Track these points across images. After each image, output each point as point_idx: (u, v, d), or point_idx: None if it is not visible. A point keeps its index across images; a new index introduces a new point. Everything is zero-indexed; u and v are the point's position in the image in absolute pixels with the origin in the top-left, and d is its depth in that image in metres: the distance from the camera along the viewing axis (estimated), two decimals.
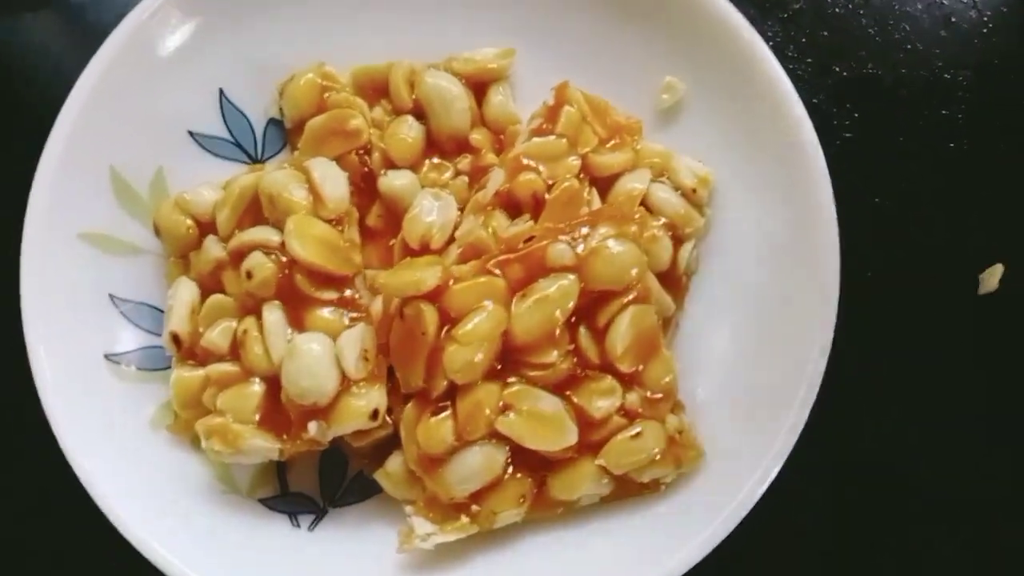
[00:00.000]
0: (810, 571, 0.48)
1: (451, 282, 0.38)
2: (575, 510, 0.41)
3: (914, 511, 0.48)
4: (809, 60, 0.52)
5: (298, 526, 0.41)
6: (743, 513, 0.39)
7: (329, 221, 0.40)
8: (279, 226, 0.40)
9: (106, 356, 0.41)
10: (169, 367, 0.42)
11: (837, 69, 0.52)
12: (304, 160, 0.41)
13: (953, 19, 0.52)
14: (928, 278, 0.49)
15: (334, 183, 0.40)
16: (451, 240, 0.42)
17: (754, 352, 0.43)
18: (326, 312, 0.39)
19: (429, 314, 0.37)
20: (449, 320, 0.38)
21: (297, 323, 0.39)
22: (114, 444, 0.40)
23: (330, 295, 0.39)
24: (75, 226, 0.42)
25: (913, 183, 0.51)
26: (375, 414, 0.38)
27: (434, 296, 0.38)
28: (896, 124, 0.51)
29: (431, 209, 0.42)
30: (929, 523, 0.48)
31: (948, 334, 0.49)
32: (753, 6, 0.52)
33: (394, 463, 0.40)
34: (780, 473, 0.40)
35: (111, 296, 0.42)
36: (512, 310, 0.39)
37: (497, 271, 0.39)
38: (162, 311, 0.43)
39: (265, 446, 0.38)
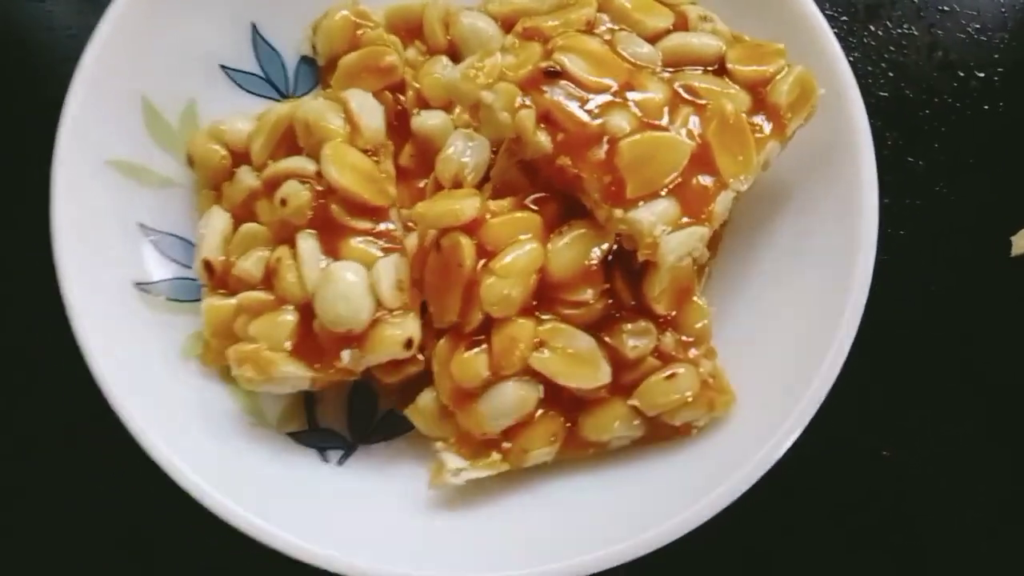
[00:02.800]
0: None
1: (488, 215, 0.38)
2: (606, 452, 0.40)
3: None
4: (844, 19, 0.52)
5: (327, 461, 0.41)
6: (774, 460, 0.39)
7: (365, 151, 0.39)
8: (314, 156, 0.39)
9: (136, 285, 0.41)
10: (198, 299, 0.42)
11: (873, 28, 0.52)
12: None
13: None
14: (961, 239, 0.49)
15: (371, 114, 0.40)
16: (485, 180, 0.42)
17: (786, 302, 0.42)
18: (361, 242, 0.38)
19: (466, 246, 0.37)
20: (485, 253, 0.38)
21: (331, 252, 0.38)
22: (144, 371, 0.39)
23: (365, 225, 0.38)
24: (104, 153, 0.41)
25: (946, 144, 0.51)
26: (409, 343, 0.37)
27: (471, 228, 0.38)
28: (931, 85, 0.51)
29: (464, 150, 0.41)
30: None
31: (980, 295, 0.49)
32: None
33: (425, 399, 0.40)
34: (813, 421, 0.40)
35: (141, 225, 0.42)
36: (548, 247, 0.38)
37: (535, 207, 0.39)
38: (191, 243, 0.43)
39: (297, 374, 0.38)
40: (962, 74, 0.52)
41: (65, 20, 0.51)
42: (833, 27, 0.46)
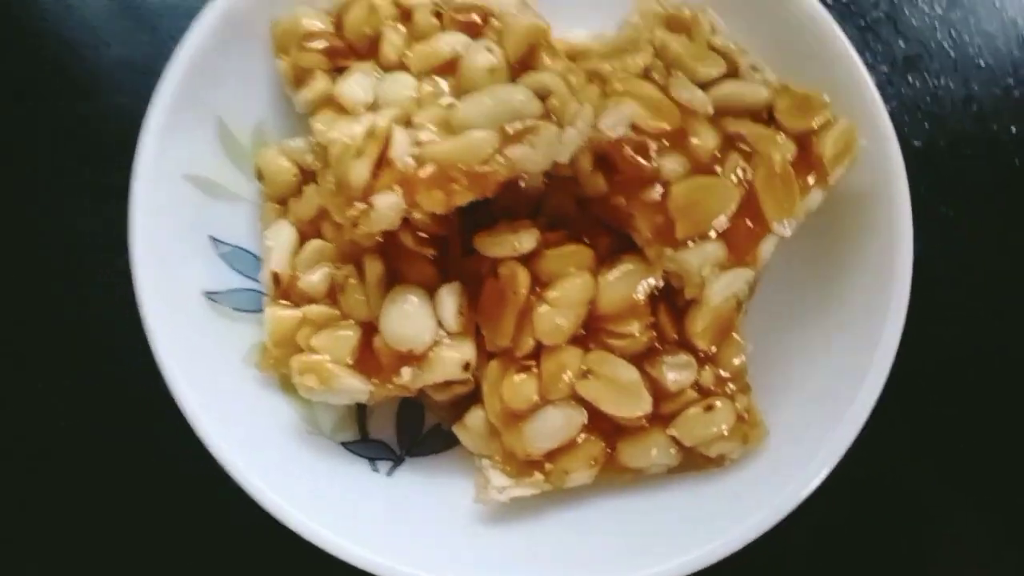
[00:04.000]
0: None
1: (544, 247, 0.40)
2: (642, 478, 0.42)
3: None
4: (884, 69, 0.54)
5: (377, 471, 0.43)
6: (803, 495, 0.41)
7: None
8: None
9: (205, 294, 0.43)
10: (260, 310, 0.44)
11: (911, 79, 0.54)
12: None
13: None
14: (989, 287, 0.51)
15: None
16: (537, 210, 0.44)
17: (819, 343, 0.44)
18: (425, 267, 0.40)
19: (523, 275, 0.39)
20: (539, 283, 0.40)
21: (396, 275, 0.40)
22: (210, 376, 0.41)
23: (430, 251, 0.40)
24: (182, 168, 0.44)
25: (977, 195, 0.53)
26: (466, 366, 0.39)
27: (527, 259, 0.40)
28: (964, 137, 0.53)
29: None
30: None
31: (1007, 343, 0.51)
32: (834, 12, 0.53)
33: (473, 418, 0.42)
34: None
35: (211, 238, 0.44)
36: (599, 280, 0.41)
37: (587, 241, 0.41)
38: (256, 256, 0.45)
39: (357, 387, 0.40)
40: (995, 127, 0.54)
41: (141, 35, 0.54)
42: (873, 76, 0.48)
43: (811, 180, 0.41)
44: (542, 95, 0.36)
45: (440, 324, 0.39)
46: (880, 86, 0.52)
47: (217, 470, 0.39)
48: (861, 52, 0.54)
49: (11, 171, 0.51)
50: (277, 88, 0.46)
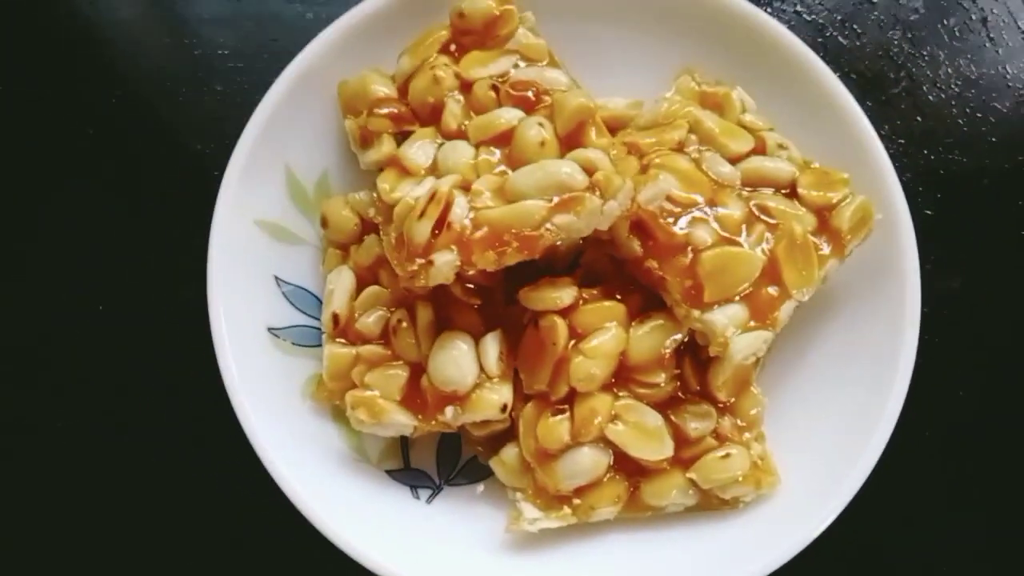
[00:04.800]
0: None
1: (580, 302, 0.44)
2: (661, 516, 0.46)
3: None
4: (901, 141, 0.58)
5: (418, 498, 0.47)
6: (810, 539, 0.44)
7: None
8: None
9: (268, 329, 0.47)
10: (316, 345, 0.48)
11: (926, 152, 0.58)
12: None
13: None
14: (992, 353, 0.54)
15: None
16: (576, 264, 0.48)
17: (830, 399, 0.48)
18: (471, 315, 0.44)
19: (562, 327, 0.43)
20: (575, 335, 0.44)
21: (445, 321, 0.44)
22: (271, 404, 0.45)
23: (476, 301, 0.45)
24: (253, 213, 0.48)
25: (985, 265, 0.56)
26: (504, 407, 0.43)
27: (566, 312, 0.44)
28: (975, 209, 0.57)
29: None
30: None
31: (1005, 405, 0.54)
32: (855, 87, 0.57)
33: (508, 453, 0.45)
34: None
35: (276, 277, 0.48)
36: (630, 333, 0.44)
37: (619, 297, 0.45)
38: (315, 295, 0.49)
39: (404, 422, 0.44)
40: (1004, 200, 0.57)
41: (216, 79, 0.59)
42: (889, 147, 0.51)
43: (828, 251, 0.45)
44: (588, 169, 0.40)
45: (482, 368, 0.43)
46: (896, 157, 0.56)
47: (269, 493, 0.43)
48: (880, 126, 0.58)
49: (99, 205, 0.56)
50: (341, 142, 0.51)
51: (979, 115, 0.58)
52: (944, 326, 0.53)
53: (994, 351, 0.55)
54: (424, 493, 0.47)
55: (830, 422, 0.47)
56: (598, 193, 0.40)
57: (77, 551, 0.51)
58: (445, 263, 0.40)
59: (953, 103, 0.58)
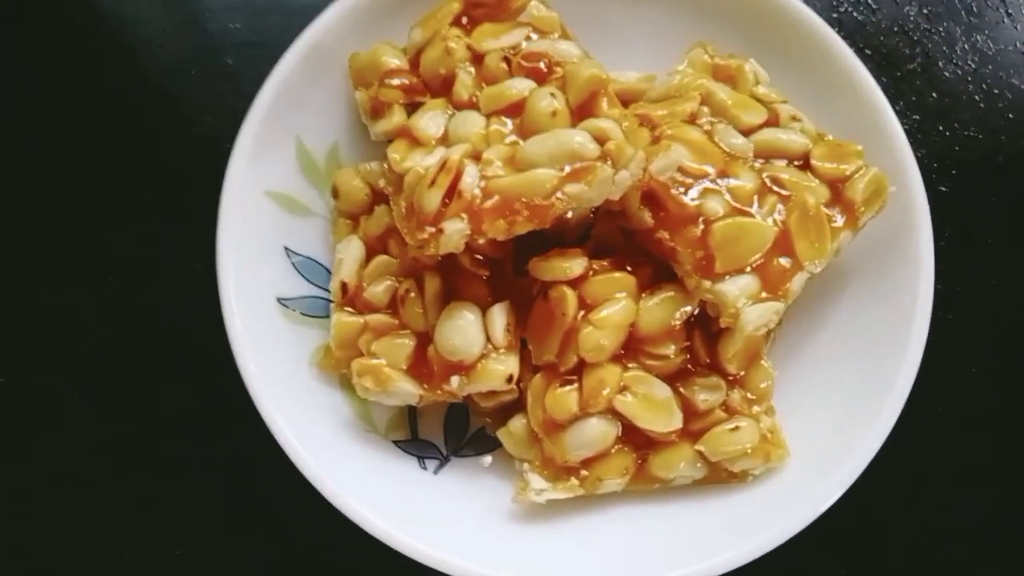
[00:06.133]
0: None
1: (591, 273, 0.44)
2: (669, 488, 0.46)
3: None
4: (916, 117, 0.57)
5: (425, 468, 0.47)
6: (818, 513, 0.44)
7: None
8: None
9: (278, 299, 0.47)
10: (325, 316, 0.48)
11: (941, 128, 0.57)
12: None
13: None
14: (1006, 328, 0.54)
15: None
16: (587, 237, 0.48)
17: (840, 372, 0.48)
18: (479, 285, 0.44)
19: (571, 298, 0.43)
20: (585, 305, 0.44)
21: (452, 291, 0.44)
22: (279, 373, 0.45)
23: (484, 272, 0.44)
24: (264, 185, 0.48)
25: (1000, 242, 0.56)
26: (510, 378, 0.43)
27: (575, 283, 0.44)
28: (991, 186, 0.56)
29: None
30: None
31: (1018, 379, 0.53)
32: (870, 63, 0.57)
33: (516, 424, 0.45)
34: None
35: (286, 248, 0.49)
36: (640, 305, 0.44)
37: (630, 268, 0.45)
38: (324, 266, 0.50)
39: (410, 390, 0.44)
40: (1020, 177, 0.56)
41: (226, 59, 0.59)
42: (904, 123, 0.51)
43: (842, 223, 0.44)
44: (600, 139, 0.40)
45: (489, 339, 0.43)
46: (911, 134, 0.56)
47: (276, 456, 0.43)
48: (895, 101, 0.58)
49: (112, 177, 0.56)
50: (352, 114, 0.50)
51: (996, 91, 0.57)
52: (958, 303, 0.53)
53: (1008, 329, 0.54)
54: (431, 464, 0.47)
55: (840, 397, 0.47)
56: (610, 163, 0.40)
57: (80, 511, 0.51)
58: (455, 231, 0.40)
59: (969, 79, 0.57)
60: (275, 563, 0.51)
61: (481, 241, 0.41)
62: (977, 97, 0.58)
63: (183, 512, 0.51)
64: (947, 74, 0.58)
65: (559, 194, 0.39)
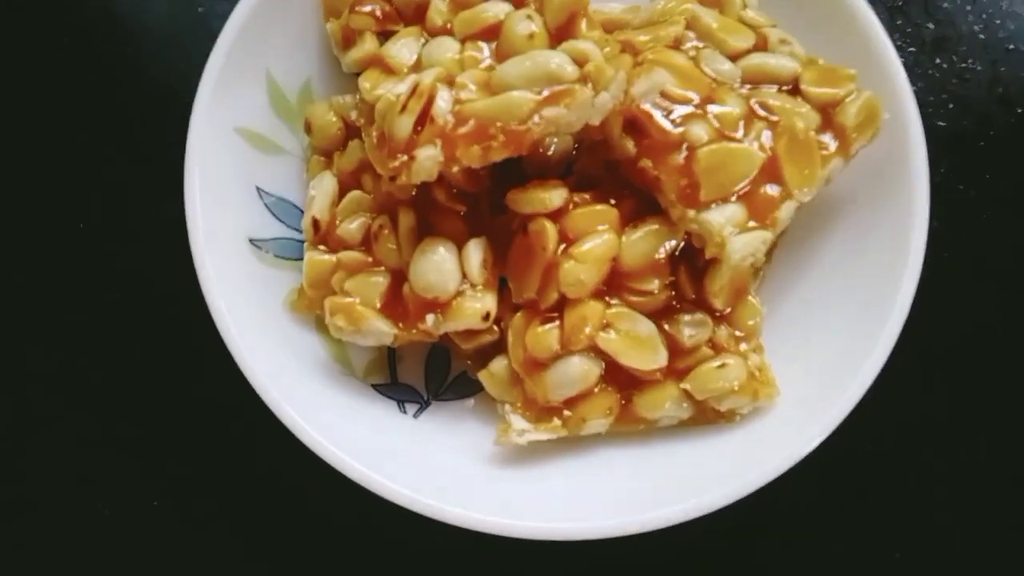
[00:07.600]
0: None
1: (571, 205, 0.42)
2: (654, 429, 0.45)
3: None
4: (912, 50, 0.55)
5: (404, 412, 0.46)
6: (804, 452, 0.43)
7: None
8: None
9: (250, 240, 0.46)
10: (299, 258, 0.47)
11: (938, 61, 0.55)
12: None
13: None
14: (1002, 265, 0.52)
15: None
16: (567, 171, 0.46)
17: (831, 310, 0.46)
18: (455, 221, 0.43)
19: (551, 231, 0.41)
20: (566, 239, 0.42)
21: (427, 226, 0.43)
22: (251, 315, 0.44)
23: (460, 207, 0.43)
24: (233, 121, 0.46)
25: (998, 175, 0.54)
26: (487, 316, 0.42)
27: (556, 216, 0.42)
28: (989, 118, 0.54)
29: (549, 144, 0.46)
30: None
31: (1015, 319, 0.52)
32: None
33: (498, 365, 0.44)
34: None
35: (258, 188, 0.47)
36: (623, 238, 0.43)
37: (613, 201, 0.43)
38: (298, 207, 0.48)
39: (384, 329, 0.42)
40: (1020, 110, 0.54)
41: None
42: (901, 57, 0.49)
43: (833, 149, 0.42)
44: (579, 61, 0.38)
45: (465, 276, 0.42)
46: (908, 67, 0.53)
47: (252, 401, 0.42)
48: (891, 33, 0.55)
49: (70, 122, 0.54)
50: (323, 49, 0.49)
51: (996, 21, 0.55)
52: (953, 240, 0.51)
53: (1003, 267, 0.52)
54: (411, 408, 0.46)
55: (831, 334, 0.45)
56: (589, 85, 0.38)
57: (65, 459, 0.50)
58: (428, 158, 0.38)
59: (968, 8, 0.55)
60: (252, 508, 0.50)
61: (456, 170, 0.39)
62: (976, 27, 0.55)
63: (159, 459, 0.50)
64: (945, 4, 0.55)
65: (536, 118, 0.37)
